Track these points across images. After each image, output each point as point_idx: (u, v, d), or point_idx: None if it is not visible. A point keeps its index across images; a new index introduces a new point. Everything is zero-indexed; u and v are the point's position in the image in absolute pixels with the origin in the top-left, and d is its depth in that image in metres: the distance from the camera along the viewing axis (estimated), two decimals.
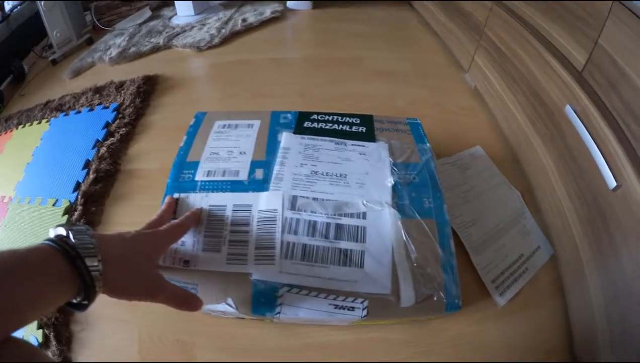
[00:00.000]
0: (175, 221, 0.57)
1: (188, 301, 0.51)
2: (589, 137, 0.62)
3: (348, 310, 0.55)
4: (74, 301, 0.38)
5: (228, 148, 0.71)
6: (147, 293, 0.47)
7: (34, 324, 0.70)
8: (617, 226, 0.57)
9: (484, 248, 0.77)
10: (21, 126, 1.21)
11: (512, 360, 0.65)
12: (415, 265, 0.57)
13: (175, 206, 0.63)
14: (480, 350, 0.66)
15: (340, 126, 0.76)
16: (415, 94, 1.20)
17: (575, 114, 0.67)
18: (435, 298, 0.56)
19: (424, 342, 0.66)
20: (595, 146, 0.61)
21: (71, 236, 0.37)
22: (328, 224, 0.60)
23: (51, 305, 0.36)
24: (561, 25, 0.75)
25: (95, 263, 0.37)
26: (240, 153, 0.70)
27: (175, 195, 0.64)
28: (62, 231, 0.38)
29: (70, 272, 0.36)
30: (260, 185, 0.65)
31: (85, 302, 0.38)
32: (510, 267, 0.75)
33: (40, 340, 0.69)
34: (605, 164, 0.58)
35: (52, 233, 0.39)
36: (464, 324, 0.68)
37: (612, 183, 0.57)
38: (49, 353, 0.67)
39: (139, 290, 0.46)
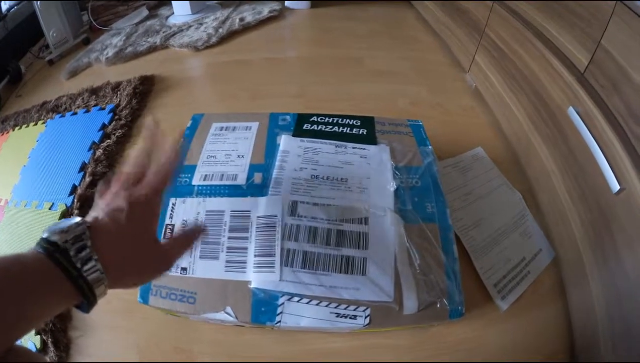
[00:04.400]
0: (154, 171, 0.46)
1: (192, 241, 0.47)
2: (592, 139, 0.62)
3: (350, 318, 0.54)
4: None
5: (226, 151, 0.70)
6: (155, 273, 0.44)
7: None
8: (620, 229, 0.57)
9: (486, 251, 0.76)
10: (18, 127, 1.20)
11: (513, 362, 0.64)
12: (418, 271, 0.57)
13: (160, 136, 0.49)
14: (483, 354, 0.65)
15: (341, 128, 0.75)
16: (416, 94, 1.19)
17: (578, 116, 0.66)
18: (438, 306, 0.55)
19: (426, 347, 0.66)
20: (598, 149, 0.60)
21: (68, 249, 0.35)
22: (329, 230, 0.59)
23: (52, 315, 0.35)
24: (563, 26, 0.74)
25: (97, 275, 0.36)
26: (239, 156, 0.69)
27: (172, 200, 0.63)
28: (57, 240, 0.35)
29: (72, 288, 0.34)
30: (259, 190, 0.64)
31: (87, 306, 0.37)
32: (513, 270, 0.74)
33: (38, 346, 0.68)
34: (608, 167, 0.58)
35: (45, 236, 0.36)
36: (466, 329, 0.67)
37: (615, 186, 0.56)
38: (47, 359, 0.67)
39: (146, 275, 0.43)
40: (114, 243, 0.40)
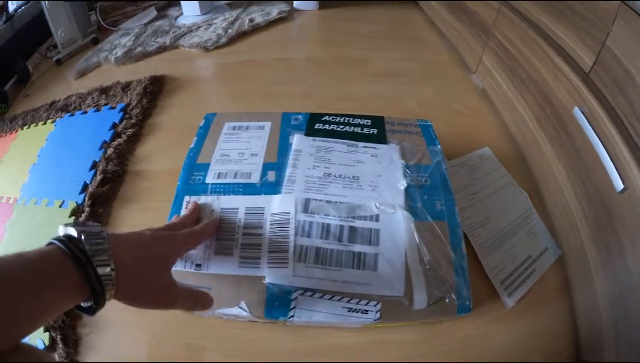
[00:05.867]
0: (195, 228, 0.56)
1: (200, 303, 0.51)
2: (597, 139, 0.63)
3: (362, 312, 0.55)
4: (83, 304, 0.37)
5: (239, 150, 0.71)
6: (159, 303, 0.46)
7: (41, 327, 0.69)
8: (624, 228, 0.57)
9: (493, 249, 0.77)
10: (26, 126, 1.21)
11: (520, 361, 0.65)
12: (427, 267, 0.58)
13: (199, 213, 0.62)
14: (489, 351, 0.66)
15: (352, 128, 0.75)
16: (423, 95, 1.20)
17: (583, 116, 0.67)
18: (447, 301, 0.56)
19: (434, 343, 0.66)
20: (603, 148, 0.61)
21: (83, 239, 0.35)
22: (341, 227, 0.60)
23: (59, 311, 0.35)
24: (568, 27, 0.75)
25: (108, 271, 0.36)
26: (252, 155, 0.70)
27: (186, 198, 0.64)
28: (73, 232, 0.36)
29: (80, 280, 0.34)
30: (273, 188, 0.65)
31: (94, 307, 0.37)
32: (519, 268, 0.75)
33: (47, 342, 0.68)
34: (613, 166, 0.59)
35: (62, 231, 0.37)
36: (473, 325, 0.68)
37: (619, 185, 0.57)
38: (56, 356, 0.67)
39: (152, 300, 0.44)
40: (128, 250, 0.41)
